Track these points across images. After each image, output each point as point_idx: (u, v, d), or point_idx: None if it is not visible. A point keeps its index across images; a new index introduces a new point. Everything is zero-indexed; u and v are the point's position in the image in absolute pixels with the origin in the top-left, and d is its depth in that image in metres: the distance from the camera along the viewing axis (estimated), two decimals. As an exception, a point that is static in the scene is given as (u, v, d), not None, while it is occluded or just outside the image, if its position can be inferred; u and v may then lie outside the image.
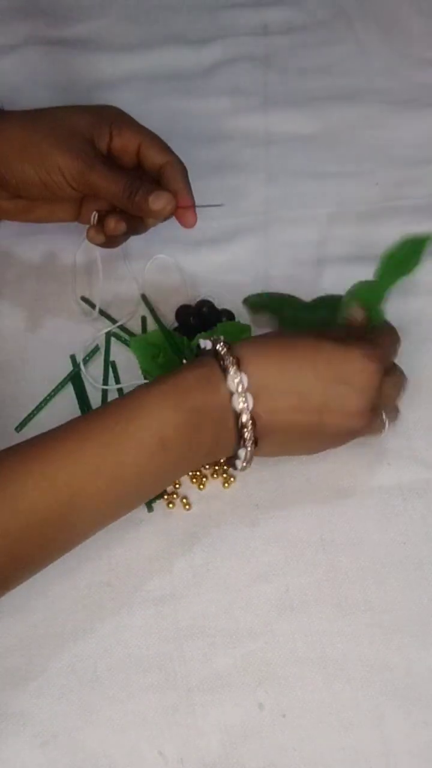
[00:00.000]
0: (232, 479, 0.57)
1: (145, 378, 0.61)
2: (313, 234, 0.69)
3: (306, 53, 0.81)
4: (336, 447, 0.54)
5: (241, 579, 0.54)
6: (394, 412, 0.55)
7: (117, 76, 0.78)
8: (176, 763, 0.48)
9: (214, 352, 0.48)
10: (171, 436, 0.47)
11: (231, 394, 0.47)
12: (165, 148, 0.60)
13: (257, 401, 0.48)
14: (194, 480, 0.57)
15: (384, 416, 0.53)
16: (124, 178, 0.57)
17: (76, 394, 0.60)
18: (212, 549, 0.55)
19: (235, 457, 0.50)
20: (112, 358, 0.62)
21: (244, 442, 0.48)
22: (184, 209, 0.59)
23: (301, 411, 0.49)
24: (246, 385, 0.47)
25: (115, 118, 0.59)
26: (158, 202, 0.57)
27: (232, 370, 0.47)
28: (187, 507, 0.56)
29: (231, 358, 0.47)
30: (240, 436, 0.48)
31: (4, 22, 0.80)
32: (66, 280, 0.66)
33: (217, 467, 0.57)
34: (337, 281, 0.66)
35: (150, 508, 0.56)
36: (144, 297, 0.64)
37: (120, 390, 0.61)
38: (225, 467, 0.57)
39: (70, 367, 0.61)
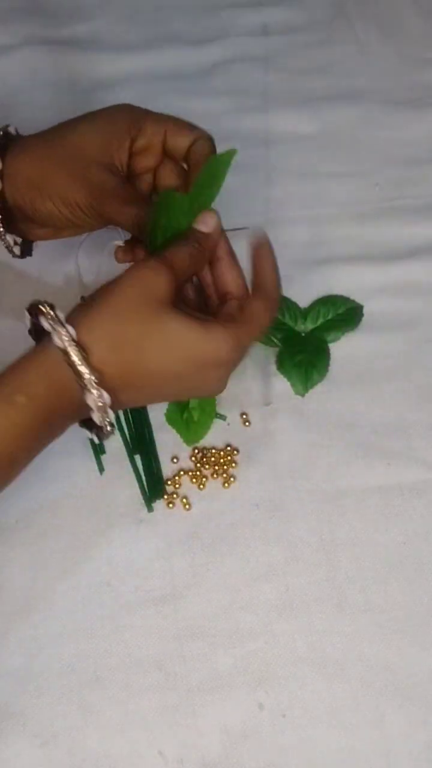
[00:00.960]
0: (232, 479, 0.57)
1: None
2: (313, 234, 0.69)
3: (306, 53, 0.80)
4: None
5: (241, 579, 0.54)
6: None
7: (117, 76, 0.78)
8: (176, 763, 0.49)
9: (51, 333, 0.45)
10: (33, 394, 0.44)
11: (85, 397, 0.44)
12: (190, 126, 0.56)
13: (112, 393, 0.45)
14: (194, 480, 0.57)
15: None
16: (134, 210, 0.52)
17: None
18: (212, 549, 0.55)
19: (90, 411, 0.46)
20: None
21: (81, 378, 0.44)
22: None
23: (161, 394, 0.49)
24: (62, 317, 0.45)
25: (131, 117, 0.55)
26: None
27: (87, 381, 0.44)
28: (187, 507, 0.56)
29: (75, 349, 0.44)
30: (79, 376, 0.44)
31: (4, 22, 0.80)
32: (68, 280, 0.66)
33: (216, 467, 0.57)
34: (338, 281, 0.66)
35: (150, 508, 0.56)
36: None
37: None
38: (225, 467, 0.57)
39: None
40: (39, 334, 0.47)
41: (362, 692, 0.51)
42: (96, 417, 0.45)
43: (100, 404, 0.45)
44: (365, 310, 0.65)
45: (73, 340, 0.44)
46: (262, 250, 0.50)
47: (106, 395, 0.44)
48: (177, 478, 0.57)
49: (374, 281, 0.66)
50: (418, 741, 0.49)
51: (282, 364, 0.61)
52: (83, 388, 0.44)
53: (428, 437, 0.59)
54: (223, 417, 0.59)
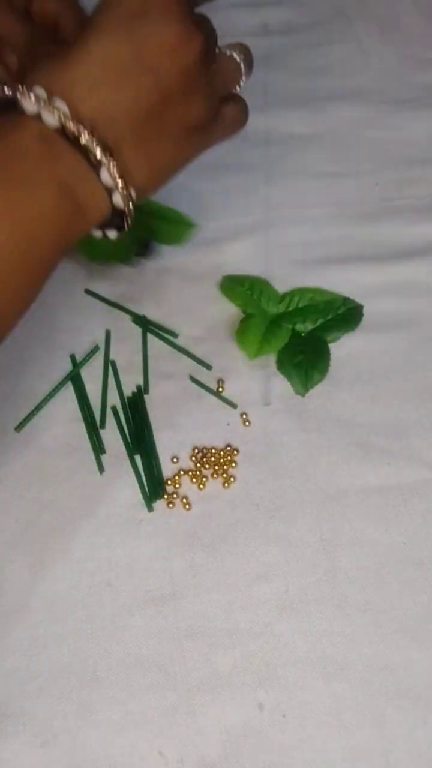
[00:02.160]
0: (232, 479, 0.57)
1: None
2: (313, 234, 0.69)
3: (306, 53, 0.81)
4: (195, 149, 0.46)
5: (241, 579, 0.54)
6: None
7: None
8: (176, 763, 0.48)
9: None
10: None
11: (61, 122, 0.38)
12: None
13: (81, 102, 0.38)
14: (194, 480, 0.57)
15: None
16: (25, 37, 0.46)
17: (77, 394, 0.60)
18: (212, 549, 0.55)
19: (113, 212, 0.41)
20: (112, 358, 0.62)
21: (96, 160, 0.39)
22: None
23: (127, 78, 0.40)
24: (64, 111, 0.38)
25: None
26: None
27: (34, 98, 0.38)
28: (187, 507, 0.56)
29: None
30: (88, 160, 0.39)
31: (4, 22, 0.80)
32: (66, 276, 0.66)
33: (216, 467, 0.57)
34: (338, 281, 0.66)
35: (150, 508, 0.56)
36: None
37: (120, 390, 0.61)
38: (225, 467, 0.57)
39: (69, 367, 0.61)
40: None
41: (362, 692, 0.51)
42: (116, 198, 0.40)
43: (117, 181, 0.39)
44: (365, 310, 0.65)
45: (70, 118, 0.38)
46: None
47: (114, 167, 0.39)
48: (177, 478, 0.57)
49: (374, 281, 0.66)
50: (418, 741, 0.49)
51: (282, 365, 0.61)
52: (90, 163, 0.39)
53: (428, 437, 0.59)
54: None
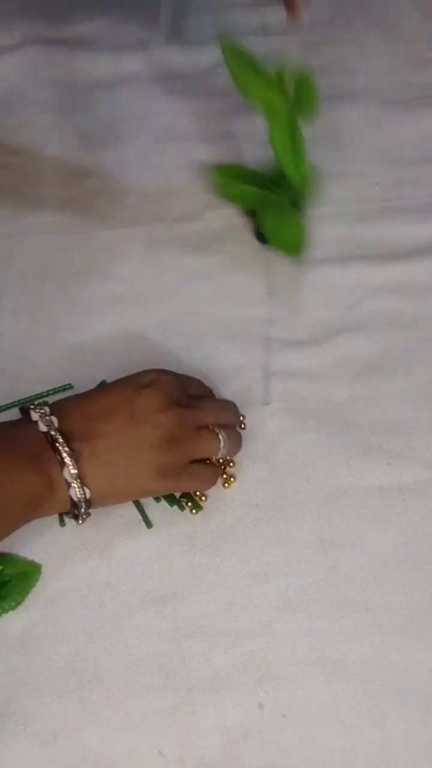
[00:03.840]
0: (232, 479, 0.57)
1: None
2: (312, 233, 0.69)
3: (306, 53, 0.80)
4: (173, 480, 0.53)
5: (241, 579, 0.54)
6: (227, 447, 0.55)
7: (117, 76, 0.78)
8: (176, 763, 0.48)
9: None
10: None
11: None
12: None
13: (63, 421, 0.50)
14: (194, 480, 0.57)
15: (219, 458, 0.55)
16: None
17: None
18: (212, 549, 0.55)
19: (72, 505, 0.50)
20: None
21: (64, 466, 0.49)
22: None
23: (110, 420, 0.51)
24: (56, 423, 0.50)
25: None
26: None
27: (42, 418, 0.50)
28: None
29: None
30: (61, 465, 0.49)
31: (4, 22, 0.80)
32: (66, 280, 0.66)
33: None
34: (337, 281, 0.66)
35: (149, 525, 0.56)
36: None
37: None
38: (224, 467, 0.57)
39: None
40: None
41: (362, 692, 0.51)
42: (72, 493, 0.50)
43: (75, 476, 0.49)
44: (365, 310, 0.65)
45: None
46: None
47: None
48: (177, 478, 0.57)
49: (374, 281, 0.66)
50: (418, 741, 0.49)
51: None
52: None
53: (428, 437, 0.59)
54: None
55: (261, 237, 0.67)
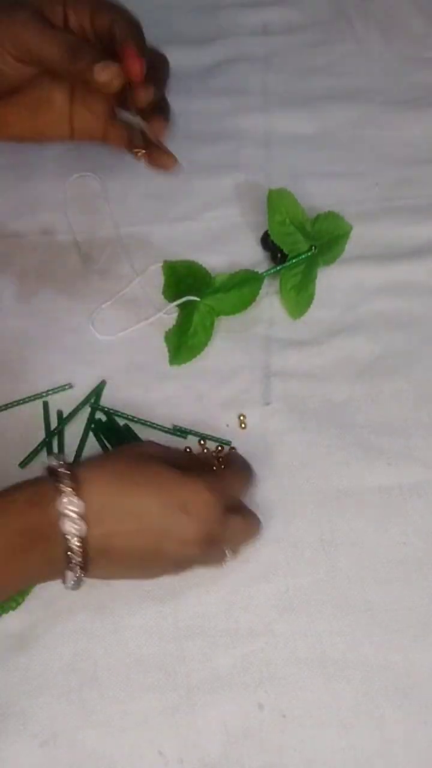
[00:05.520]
0: (232, 479, 0.57)
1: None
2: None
3: (306, 53, 0.80)
4: (174, 574, 0.51)
5: (241, 579, 0.54)
6: (236, 548, 0.52)
7: (117, 76, 0.78)
8: (176, 763, 0.48)
9: (51, 470, 0.46)
10: None
11: (61, 516, 0.44)
12: (108, 8, 0.54)
13: (94, 525, 0.45)
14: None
15: (226, 551, 0.51)
16: (65, 39, 0.51)
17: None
18: (212, 549, 0.55)
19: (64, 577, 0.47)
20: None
21: (72, 565, 0.45)
22: (127, 55, 0.53)
23: (139, 535, 0.46)
24: (80, 510, 0.44)
25: None
26: (104, 72, 0.51)
27: (67, 492, 0.44)
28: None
29: (68, 480, 0.45)
30: (68, 560, 0.45)
31: (4, 22, 0.80)
32: (66, 280, 0.66)
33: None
34: (338, 281, 0.66)
35: None
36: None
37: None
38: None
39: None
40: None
41: (362, 692, 0.51)
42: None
43: (78, 574, 0.46)
44: (365, 310, 0.65)
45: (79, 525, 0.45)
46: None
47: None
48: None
49: (374, 281, 0.66)
50: (418, 741, 0.49)
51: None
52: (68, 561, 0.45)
53: (428, 437, 0.59)
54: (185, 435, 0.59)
55: (266, 244, 0.67)
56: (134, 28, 0.54)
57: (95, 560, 0.46)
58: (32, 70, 0.55)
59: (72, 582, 0.47)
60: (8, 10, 0.52)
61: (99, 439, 0.58)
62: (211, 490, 0.48)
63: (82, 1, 0.54)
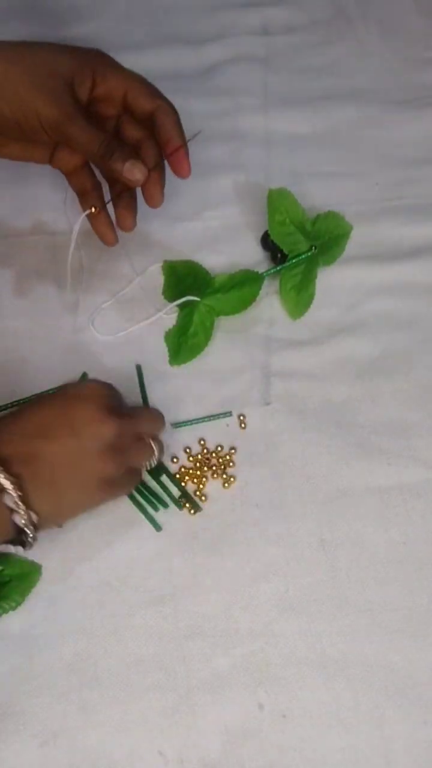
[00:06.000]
0: (232, 479, 0.57)
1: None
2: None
3: (306, 53, 0.80)
4: (111, 495, 0.53)
5: (241, 579, 0.54)
6: (135, 475, 0.55)
7: (117, 76, 0.78)
8: (176, 763, 0.49)
9: None
10: None
11: None
12: (154, 93, 0.58)
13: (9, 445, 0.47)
14: (194, 480, 0.57)
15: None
16: (101, 137, 0.55)
17: None
18: (212, 549, 0.55)
19: (17, 531, 0.48)
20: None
21: (14, 504, 0.46)
22: (176, 156, 0.58)
23: (49, 439, 0.48)
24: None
25: (99, 62, 0.57)
26: (133, 171, 0.55)
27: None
28: (187, 507, 0.56)
29: None
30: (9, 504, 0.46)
31: (4, 22, 0.80)
32: (68, 280, 0.66)
33: (216, 467, 0.57)
34: (338, 281, 0.66)
35: (158, 528, 0.56)
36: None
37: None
38: (224, 467, 0.57)
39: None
40: None
41: (362, 692, 0.51)
42: (17, 519, 0.47)
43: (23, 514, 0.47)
44: (365, 310, 0.65)
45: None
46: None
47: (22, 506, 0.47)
48: (177, 477, 0.57)
49: (374, 281, 0.66)
50: (418, 741, 0.49)
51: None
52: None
53: (428, 437, 0.59)
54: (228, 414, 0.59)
55: (266, 244, 0.67)
56: (177, 119, 0.58)
57: (28, 482, 0.47)
58: (55, 140, 0.58)
59: (23, 522, 0.47)
60: (49, 87, 0.54)
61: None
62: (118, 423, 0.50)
63: (116, 77, 0.57)
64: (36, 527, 0.48)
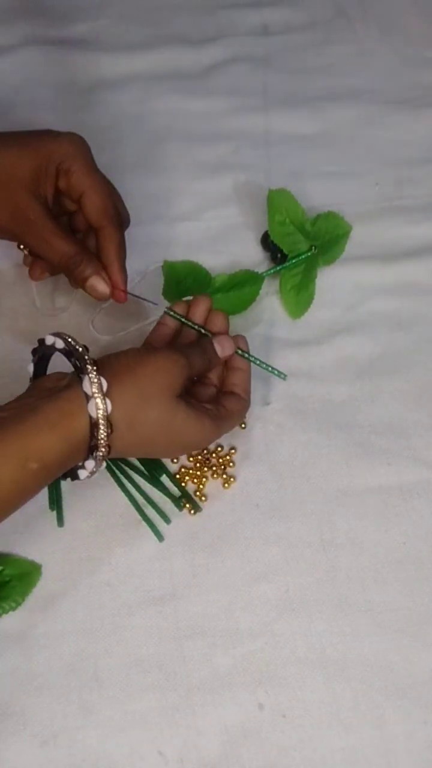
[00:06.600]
0: (232, 479, 0.57)
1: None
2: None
3: (306, 53, 0.81)
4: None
5: (241, 579, 0.54)
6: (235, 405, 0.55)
7: (117, 76, 0.78)
8: (176, 763, 0.49)
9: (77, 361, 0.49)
10: (48, 461, 0.46)
11: (89, 399, 0.47)
12: (104, 211, 0.56)
13: (115, 406, 0.48)
14: (194, 480, 0.57)
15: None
16: (65, 248, 0.54)
17: None
18: (212, 549, 0.55)
19: (80, 467, 0.49)
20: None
21: (97, 449, 0.47)
22: (114, 282, 0.57)
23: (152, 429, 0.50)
24: (105, 388, 0.47)
25: (64, 158, 0.55)
26: (97, 287, 0.56)
27: (92, 375, 0.47)
28: (187, 507, 0.56)
29: (91, 366, 0.48)
30: (94, 446, 0.47)
31: (4, 22, 0.80)
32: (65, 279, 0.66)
33: (215, 467, 0.57)
34: (338, 281, 0.66)
35: (167, 520, 0.56)
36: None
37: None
38: (224, 467, 0.57)
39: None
40: (39, 369, 0.52)
41: (362, 692, 0.51)
42: (84, 475, 0.49)
43: (96, 468, 0.49)
44: (365, 310, 0.65)
45: (106, 415, 0.47)
46: (237, 360, 0.56)
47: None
48: (177, 478, 0.57)
49: (374, 281, 0.66)
50: (418, 741, 0.49)
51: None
52: (93, 458, 0.48)
53: (428, 437, 0.59)
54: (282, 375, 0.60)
55: (266, 244, 0.67)
56: (118, 246, 0.57)
57: (118, 433, 0.48)
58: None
59: (91, 471, 0.48)
60: (7, 197, 0.54)
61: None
62: (216, 434, 0.53)
63: (78, 178, 0.55)
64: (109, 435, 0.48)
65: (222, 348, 0.55)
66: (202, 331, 0.57)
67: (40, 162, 0.54)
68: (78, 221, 0.59)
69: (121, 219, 0.57)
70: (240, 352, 0.57)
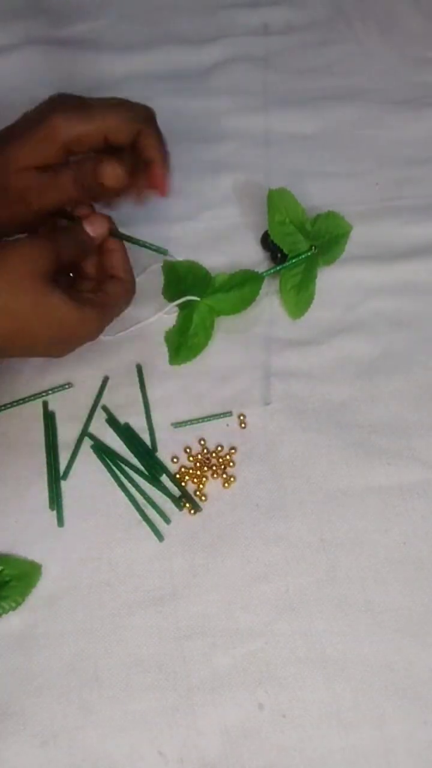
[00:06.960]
0: (232, 479, 0.57)
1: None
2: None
3: (306, 53, 0.80)
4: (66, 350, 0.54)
5: (241, 579, 0.54)
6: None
7: (117, 76, 0.78)
8: (176, 763, 0.49)
9: None
10: None
11: None
12: (128, 124, 0.57)
13: None
14: (194, 480, 0.57)
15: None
16: (66, 173, 0.54)
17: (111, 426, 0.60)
18: (212, 549, 0.55)
19: None
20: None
21: None
22: (156, 179, 0.57)
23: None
24: None
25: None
26: (106, 169, 0.55)
27: None
28: (187, 506, 0.56)
29: None
30: None
31: (4, 22, 0.80)
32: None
33: (215, 467, 0.57)
34: (338, 281, 0.66)
35: (167, 520, 0.56)
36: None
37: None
38: (224, 467, 0.57)
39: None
40: None
41: (362, 692, 0.51)
42: None
43: None
44: (365, 310, 0.65)
45: None
46: (110, 243, 0.56)
47: None
48: (177, 478, 0.57)
49: (374, 281, 0.66)
50: (418, 741, 0.49)
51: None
52: None
53: (428, 437, 0.59)
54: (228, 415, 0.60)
55: (266, 244, 0.67)
56: (162, 139, 0.58)
57: None
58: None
59: None
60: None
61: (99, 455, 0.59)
62: (101, 321, 0.53)
63: (98, 124, 0.58)
64: None
65: (93, 227, 0.54)
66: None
67: (42, 141, 0.56)
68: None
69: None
70: (113, 233, 0.55)
